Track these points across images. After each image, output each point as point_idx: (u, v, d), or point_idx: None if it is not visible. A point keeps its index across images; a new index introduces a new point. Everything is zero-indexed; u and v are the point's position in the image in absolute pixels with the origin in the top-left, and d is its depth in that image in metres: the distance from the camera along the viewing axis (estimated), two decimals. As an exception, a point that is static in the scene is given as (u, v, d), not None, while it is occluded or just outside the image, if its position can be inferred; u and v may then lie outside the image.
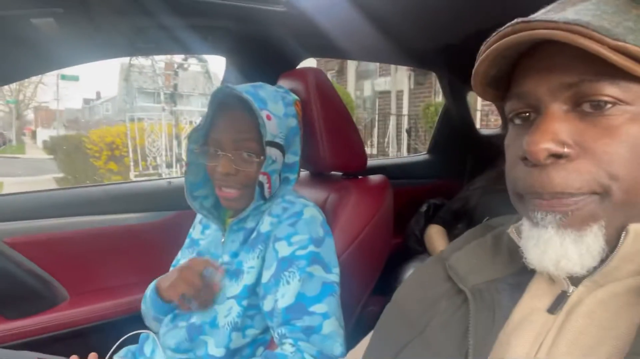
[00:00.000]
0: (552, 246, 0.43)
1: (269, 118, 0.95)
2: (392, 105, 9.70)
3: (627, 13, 0.41)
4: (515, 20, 0.43)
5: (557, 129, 0.42)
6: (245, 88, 0.96)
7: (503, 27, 0.44)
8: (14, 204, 1.43)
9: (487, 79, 0.49)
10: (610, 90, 0.40)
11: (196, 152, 1.01)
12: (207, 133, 1.01)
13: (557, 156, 0.42)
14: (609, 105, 0.41)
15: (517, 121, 0.48)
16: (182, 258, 1.12)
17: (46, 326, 1.29)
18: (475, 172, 1.84)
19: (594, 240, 0.42)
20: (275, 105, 0.98)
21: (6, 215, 1.36)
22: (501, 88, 0.51)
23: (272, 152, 0.95)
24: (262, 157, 0.96)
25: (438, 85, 2.34)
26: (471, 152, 2.27)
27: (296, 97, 1.08)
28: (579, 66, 0.42)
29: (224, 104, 0.98)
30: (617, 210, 0.42)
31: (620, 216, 0.42)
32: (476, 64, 0.48)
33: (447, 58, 1.87)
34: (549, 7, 0.45)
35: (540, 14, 0.44)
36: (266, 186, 0.97)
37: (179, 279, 0.95)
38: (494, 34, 0.45)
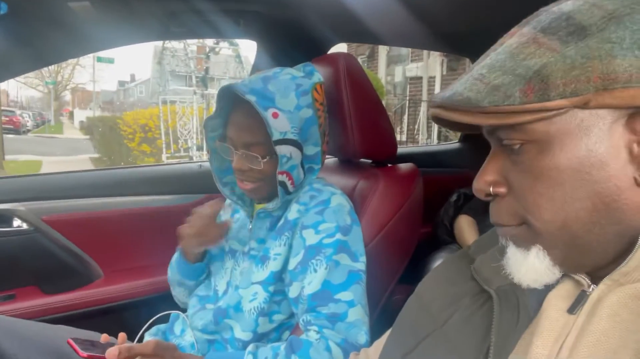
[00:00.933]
0: (514, 263, 0.48)
1: (275, 116, 0.92)
2: (424, 91, 9.53)
3: (514, 58, 0.43)
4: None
5: (491, 170, 0.48)
6: (253, 84, 0.94)
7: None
8: (53, 183, 1.48)
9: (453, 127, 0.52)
10: (514, 135, 0.44)
11: (216, 147, 1.03)
12: (226, 125, 1.01)
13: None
14: (517, 146, 0.45)
15: None
16: None
17: (81, 302, 1.34)
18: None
19: (535, 260, 0.46)
20: (285, 100, 0.95)
21: (45, 193, 1.42)
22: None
23: (284, 149, 0.93)
24: (267, 158, 0.96)
25: (472, 71, 2.26)
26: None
27: (317, 81, 1.03)
28: None
29: (238, 99, 0.96)
30: (544, 237, 0.45)
31: (551, 242, 0.45)
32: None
33: (481, 43, 1.81)
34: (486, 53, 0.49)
35: (454, 84, 0.47)
36: (288, 183, 0.97)
37: (196, 216, 1.04)
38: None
